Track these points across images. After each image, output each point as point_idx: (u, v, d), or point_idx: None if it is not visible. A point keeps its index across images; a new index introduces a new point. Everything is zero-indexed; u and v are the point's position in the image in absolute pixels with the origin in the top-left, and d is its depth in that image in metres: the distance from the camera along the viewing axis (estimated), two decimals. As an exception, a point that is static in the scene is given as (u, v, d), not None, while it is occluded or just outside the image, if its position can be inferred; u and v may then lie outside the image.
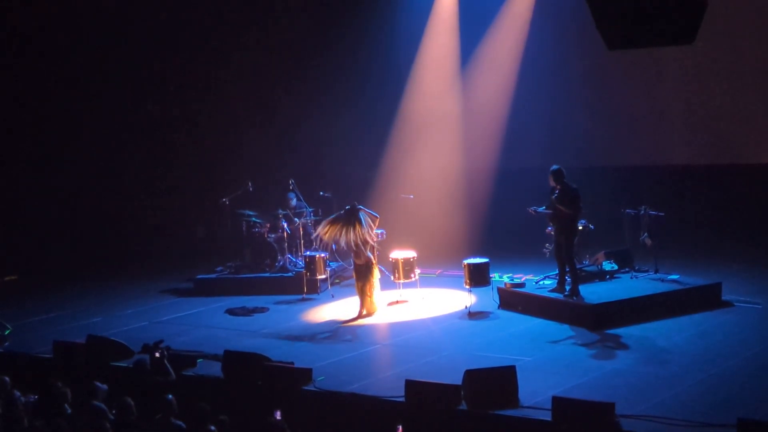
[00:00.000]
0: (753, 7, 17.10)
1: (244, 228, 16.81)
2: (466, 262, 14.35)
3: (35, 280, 18.16)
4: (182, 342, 13.22)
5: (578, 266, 13.78)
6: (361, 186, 18.49)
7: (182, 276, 17.74)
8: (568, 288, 13.33)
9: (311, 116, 20.08)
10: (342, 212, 14.36)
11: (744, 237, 16.88)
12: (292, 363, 11.50)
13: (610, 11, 7.32)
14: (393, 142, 19.46)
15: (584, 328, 12.68)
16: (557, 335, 12.60)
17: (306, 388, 11.01)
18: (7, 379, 10.05)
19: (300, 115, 20.29)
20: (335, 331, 13.69)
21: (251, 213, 16.90)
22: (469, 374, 10.08)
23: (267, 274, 16.46)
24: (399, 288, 15.10)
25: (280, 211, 16.69)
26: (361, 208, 14.31)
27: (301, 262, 16.19)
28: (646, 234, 14.55)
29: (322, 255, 15.82)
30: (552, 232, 13.90)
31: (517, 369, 10.23)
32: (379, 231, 15.26)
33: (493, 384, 10.04)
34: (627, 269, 14.49)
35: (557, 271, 13.67)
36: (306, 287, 15.85)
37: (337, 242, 14.42)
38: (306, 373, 11.22)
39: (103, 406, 9.42)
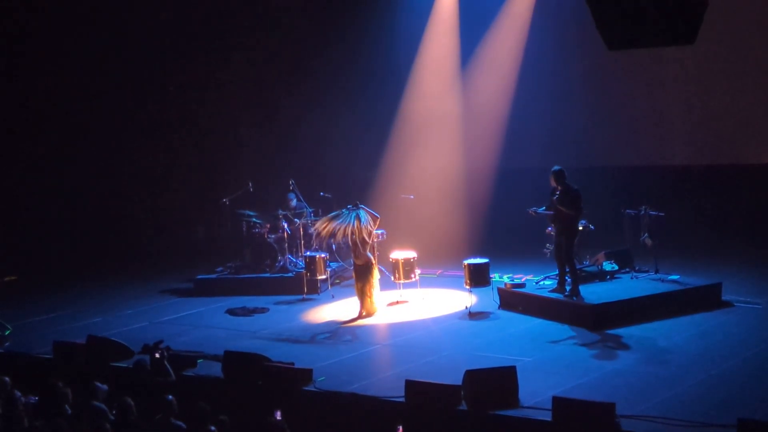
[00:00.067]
0: (753, 7, 17.10)
1: (244, 228, 16.81)
2: (466, 262, 14.35)
3: (35, 280, 18.16)
4: (182, 342, 13.22)
5: (578, 266, 13.78)
6: (362, 186, 18.50)
7: (182, 276, 17.74)
8: (568, 288, 13.33)
9: (311, 116, 20.09)
10: (343, 210, 14.38)
11: (744, 237, 16.88)
12: (293, 363, 11.50)
13: (610, 11, 7.31)
14: (393, 142, 19.47)
15: (584, 328, 12.67)
16: (557, 335, 12.60)
17: (306, 388, 11.01)
18: (7, 379, 10.05)
19: (300, 115, 20.30)
20: (335, 331, 13.69)
21: (251, 213, 16.90)
22: (469, 374, 10.08)
23: (267, 275, 16.46)
24: (399, 288, 15.09)
25: (280, 211, 16.70)
26: (362, 207, 14.32)
27: (301, 263, 16.19)
28: (646, 234, 14.55)
29: (322, 255, 15.82)
30: (552, 233, 13.92)
31: (517, 369, 10.23)
32: (379, 231, 15.26)
33: (493, 384, 10.04)
34: (627, 269, 14.49)
35: (557, 272, 13.67)
36: (306, 287, 15.85)
37: (334, 236, 14.39)
38: (306, 374, 11.22)
39: (103, 406, 9.42)
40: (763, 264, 15.50)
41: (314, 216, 16.49)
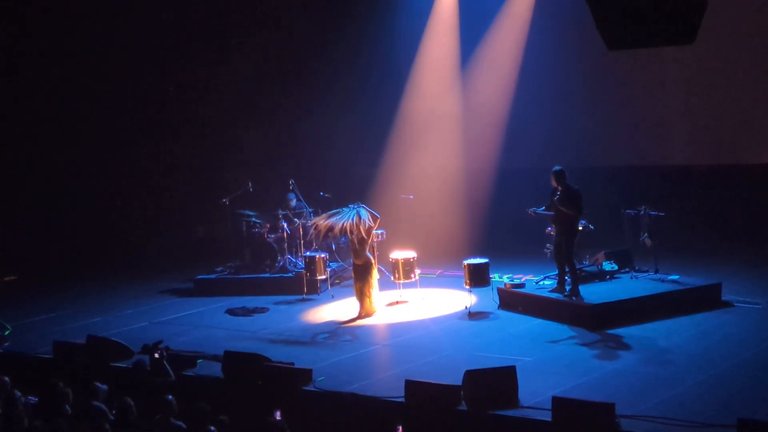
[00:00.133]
0: (753, 7, 17.10)
1: (244, 228, 16.81)
2: (466, 262, 14.35)
3: (35, 280, 18.16)
4: (182, 342, 13.23)
5: (578, 266, 13.78)
6: (362, 186, 18.49)
7: (182, 276, 17.74)
8: (567, 288, 13.33)
9: (311, 116, 20.09)
10: (343, 208, 14.40)
11: (744, 237, 16.88)
12: (292, 363, 11.50)
13: (610, 11, 7.31)
14: (393, 142, 19.46)
15: (584, 328, 12.67)
16: (557, 335, 12.60)
17: (306, 388, 11.01)
18: (7, 379, 10.05)
19: (300, 115, 20.30)
20: (335, 331, 13.69)
21: (251, 213, 16.91)
22: (469, 374, 10.08)
23: (267, 275, 16.46)
24: (399, 288, 15.09)
25: (280, 211, 16.70)
26: (363, 207, 14.33)
27: (301, 263, 16.19)
28: (646, 234, 14.55)
29: (322, 255, 15.82)
30: (552, 233, 13.92)
31: (517, 369, 10.23)
32: (379, 231, 15.28)
33: (493, 384, 10.04)
34: (627, 269, 14.49)
35: (557, 272, 13.67)
36: (306, 287, 15.85)
37: (332, 230, 14.38)
38: (306, 374, 11.22)
39: (103, 406, 9.42)
40: (763, 264, 15.50)
41: (314, 216, 16.48)
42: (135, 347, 12.64)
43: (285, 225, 16.49)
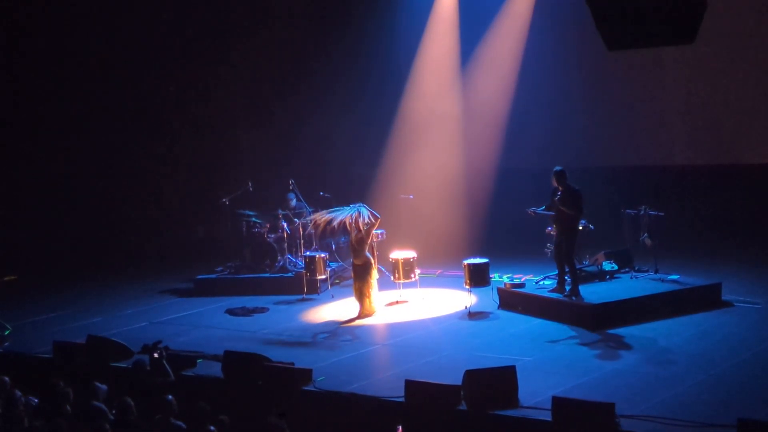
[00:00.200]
0: (753, 7, 17.10)
1: (244, 228, 16.81)
2: (466, 262, 14.35)
3: (35, 280, 18.16)
4: (182, 342, 13.23)
5: (578, 266, 13.78)
6: (362, 186, 18.49)
7: (182, 276, 17.74)
8: (567, 288, 13.33)
9: (311, 116, 20.08)
10: (344, 207, 14.44)
11: (744, 237, 16.88)
12: (292, 363, 11.51)
13: (610, 11, 7.32)
14: (393, 142, 19.46)
15: (584, 328, 12.68)
16: (557, 335, 12.60)
17: (306, 388, 11.01)
18: (7, 379, 10.05)
19: (300, 115, 20.29)
20: (335, 331, 13.69)
21: (251, 213, 16.90)
22: (469, 374, 10.08)
23: (267, 275, 16.46)
24: (399, 288, 15.09)
25: (280, 211, 16.70)
26: (364, 206, 14.36)
27: (300, 263, 16.19)
28: (646, 234, 14.55)
29: (322, 255, 15.83)
30: (552, 232, 13.92)
31: (517, 369, 10.23)
32: (379, 231, 15.29)
33: (493, 384, 10.04)
34: (627, 269, 14.49)
35: (557, 272, 13.67)
36: (306, 287, 15.85)
37: (330, 224, 14.40)
38: (306, 374, 11.22)
39: (103, 406, 9.42)
40: (763, 264, 15.51)
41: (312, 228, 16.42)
42: (135, 347, 12.64)
43: (285, 225, 16.49)
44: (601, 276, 14.24)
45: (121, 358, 12.50)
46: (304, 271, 15.85)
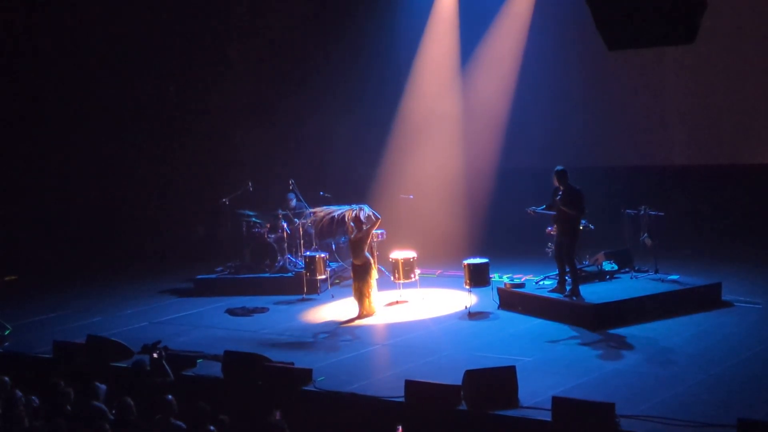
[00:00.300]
0: (753, 7, 17.10)
1: (244, 228, 16.82)
2: (466, 262, 14.35)
3: (35, 280, 18.16)
4: (182, 342, 13.23)
5: (578, 266, 13.77)
6: (362, 186, 18.49)
7: (182, 276, 17.74)
8: (568, 288, 13.32)
9: (311, 116, 20.08)
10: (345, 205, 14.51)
11: (744, 237, 16.88)
12: (292, 363, 11.51)
13: (610, 11, 7.31)
14: (393, 142, 19.46)
15: (584, 328, 12.68)
16: (557, 335, 12.60)
17: (306, 388, 11.01)
18: (7, 379, 10.05)
19: (300, 115, 20.29)
20: (335, 331, 13.69)
21: (251, 213, 16.90)
22: (469, 374, 10.08)
23: (267, 275, 16.46)
24: (399, 288, 15.09)
25: (280, 211, 16.71)
26: (366, 206, 14.42)
27: (300, 263, 16.19)
28: (646, 234, 14.55)
29: (322, 255, 15.83)
30: (552, 232, 13.92)
31: (517, 369, 10.23)
32: (379, 231, 15.29)
33: (493, 384, 10.04)
34: (627, 269, 14.49)
35: (557, 272, 13.68)
36: (306, 287, 15.85)
37: (330, 216, 14.43)
38: (306, 374, 11.22)
39: (103, 406, 9.42)
40: (763, 264, 15.51)
41: (312, 222, 16.45)
42: (135, 347, 12.64)
43: (285, 225, 16.49)
44: (601, 276, 14.24)
45: (121, 358, 12.50)
46: (304, 271, 15.86)
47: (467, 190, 19.08)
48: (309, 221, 15.60)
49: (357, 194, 16.02)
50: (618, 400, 9.36)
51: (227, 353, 11.79)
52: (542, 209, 13.61)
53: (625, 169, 18.61)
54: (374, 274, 14.37)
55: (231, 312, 15.20)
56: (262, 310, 15.23)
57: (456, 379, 10.23)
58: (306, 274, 15.80)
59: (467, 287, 14.28)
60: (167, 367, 11.14)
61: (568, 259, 13.31)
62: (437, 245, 17.07)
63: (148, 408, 9.36)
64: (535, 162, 18.02)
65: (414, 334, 13.28)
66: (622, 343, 12.03)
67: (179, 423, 9.02)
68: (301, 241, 16.51)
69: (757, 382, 10.28)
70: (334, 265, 16.59)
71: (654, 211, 14.53)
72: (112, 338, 13.00)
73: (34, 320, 15.34)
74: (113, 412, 9.24)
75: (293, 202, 16.81)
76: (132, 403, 9.15)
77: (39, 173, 19.89)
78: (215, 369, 11.79)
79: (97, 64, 19.91)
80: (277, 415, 9.23)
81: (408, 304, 14.87)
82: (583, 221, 13.90)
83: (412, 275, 15.00)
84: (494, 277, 14.80)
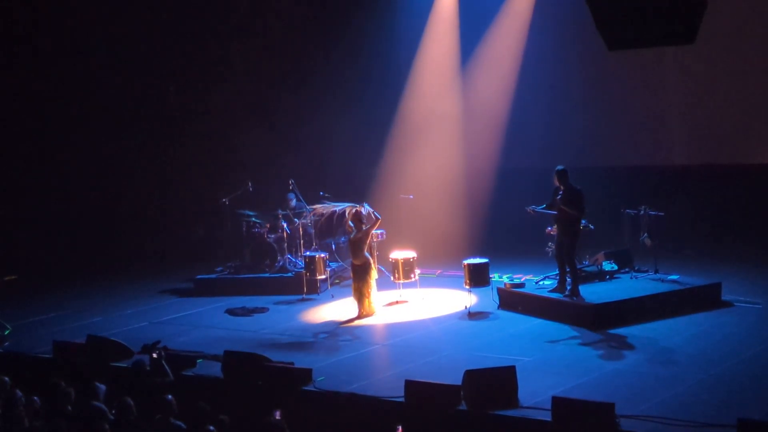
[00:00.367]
0: (753, 7, 17.10)
1: (244, 228, 16.81)
2: (465, 262, 14.35)
3: (35, 280, 18.15)
4: (182, 342, 13.23)
5: (578, 266, 13.77)
6: (362, 185, 18.48)
7: (182, 276, 17.74)
8: (568, 288, 13.32)
9: (311, 116, 20.07)
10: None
11: (744, 237, 16.88)
12: (292, 363, 11.51)
13: (610, 11, 7.32)
14: (393, 142, 19.45)
15: (584, 328, 12.68)
16: (557, 335, 12.60)
17: (306, 388, 11.01)
18: (7, 379, 10.04)
19: (300, 114, 20.28)
20: (335, 331, 13.69)
21: (251, 213, 16.90)
22: (469, 374, 10.08)
23: (267, 275, 16.46)
24: (399, 288, 15.09)
25: (280, 211, 16.70)
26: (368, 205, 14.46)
27: (300, 263, 16.19)
28: (646, 234, 14.55)
29: (322, 255, 15.83)
30: (552, 232, 13.92)
31: (517, 369, 10.23)
32: (379, 231, 15.29)
33: (493, 384, 10.04)
34: (627, 269, 14.49)
35: (557, 272, 13.68)
36: (306, 287, 15.85)
37: (332, 211, 14.46)
38: (306, 373, 11.22)
39: (102, 406, 9.41)
40: (763, 264, 15.51)
41: (313, 216, 16.47)
42: (135, 347, 12.65)
43: (285, 225, 16.49)
44: (601, 276, 14.24)
45: (121, 358, 12.50)
46: (304, 271, 15.86)
47: (467, 190, 19.07)
48: (310, 216, 15.61)
49: (357, 194, 16.00)
50: (618, 400, 9.36)
51: (227, 353, 11.79)
52: (542, 208, 13.61)
53: (625, 169, 18.60)
54: (374, 275, 14.38)
55: (231, 312, 15.20)
56: (262, 310, 15.23)
57: (456, 379, 10.23)
58: (306, 274, 15.80)
59: (467, 287, 14.28)
60: (167, 367, 11.14)
61: (568, 258, 13.31)
62: (437, 245, 17.07)
63: (148, 408, 9.36)
64: (535, 162, 18.02)
65: (414, 334, 13.28)
66: (622, 343, 12.03)
67: (179, 423, 9.02)
68: (301, 241, 16.51)
69: (757, 382, 10.28)
70: (334, 265, 16.59)
71: (654, 211, 14.54)
72: (112, 338, 13.00)
73: (34, 320, 15.34)
74: (113, 412, 9.23)
75: (293, 202, 16.81)
76: (132, 403, 9.14)
77: (39, 173, 19.88)
78: (215, 369, 11.79)
79: (97, 64, 19.91)
80: (277, 415, 9.24)
81: (408, 304, 14.87)
82: (582, 221, 13.90)
83: (412, 275, 15.00)
84: (494, 277, 14.80)
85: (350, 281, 14.80)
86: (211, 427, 8.58)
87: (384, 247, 15.86)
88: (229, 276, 16.86)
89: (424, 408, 10.09)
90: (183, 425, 9.00)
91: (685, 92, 18.07)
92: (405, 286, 15.10)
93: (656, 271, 14.32)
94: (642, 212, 14.57)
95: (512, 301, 14.03)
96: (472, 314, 13.98)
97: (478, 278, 14.20)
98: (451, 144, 19.40)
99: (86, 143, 20.09)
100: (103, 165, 20.27)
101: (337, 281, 16.52)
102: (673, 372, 10.77)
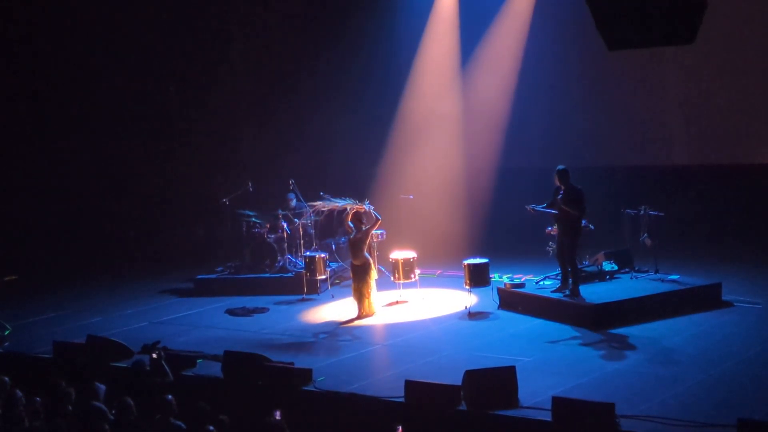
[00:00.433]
0: (753, 7, 17.10)
1: (244, 228, 16.81)
2: (466, 262, 14.35)
3: (35, 280, 18.15)
4: (182, 342, 13.23)
5: (578, 266, 13.76)
6: (362, 185, 18.47)
7: (182, 276, 17.74)
8: (568, 288, 13.32)
9: (311, 116, 20.08)
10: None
11: (744, 237, 16.87)
12: (292, 363, 11.51)
13: (610, 11, 7.32)
14: (393, 142, 19.46)
15: (584, 328, 12.68)
16: (557, 335, 12.60)
17: (306, 388, 11.01)
18: (7, 379, 10.04)
19: (300, 114, 20.29)
20: (335, 331, 13.69)
21: (251, 213, 16.90)
22: (469, 374, 10.08)
23: (267, 275, 16.46)
24: (399, 288, 15.09)
25: (280, 211, 16.71)
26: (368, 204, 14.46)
27: (300, 263, 16.19)
28: (646, 234, 14.54)
29: (322, 255, 15.83)
30: (552, 232, 13.92)
31: (517, 369, 10.23)
32: (379, 231, 15.29)
33: (493, 384, 10.04)
34: (627, 269, 14.48)
35: (558, 272, 13.67)
36: (306, 287, 15.85)
37: (330, 208, 14.52)
38: (306, 374, 11.22)
39: (102, 406, 9.41)
40: (763, 264, 15.51)
41: (313, 216, 16.48)
42: (135, 347, 12.64)
43: (285, 225, 16.49)
44: (601, 276, 14.24)
45: (121, 358, 12.50)
46: (304, 271, 15.86)
47: (467, 190, 19.07)
48: (309, 213, 15.64)
49: (357, 194, 15.99)
50: (618, 400, 9.36)
51: (227, 353, 11.79)
52: (542, 208, 13.61)
53: (625, 169, 18.61)
54: (374, 275, 14.38)
55: (231, 312, 15.20)
56: (262, 310, 15.23)
57: (456, 379, 10.23)
58: (306, 274, 15.80)
59: (467, 287, 14.28)
60: (167, 367, 11.14)
61: (569, 258, 13.30)
62: (437, 245, 17.07)
63: (148, 408, 9.36)
64: (535, 162, 18.03)
65: (414, 334, 13.28)
66: (623, 343, 12.03)
67: (179, 423, 9.01)
68: (301, 241, 16.51)
69: (757, 382, 10.28)
70: (334, 265, 16.59)
71: (654, 211, 14.53)
72: (112, 338, 13.00)
73: (34, 320, 15.34)
74: (113, 412, 9.23)
75: (293, 202, 16.82)
76: (132, 403, 9.14)
77: (39, 173, 19.88)
78: (215, 369, 11.79)
79: (97, 64, 19.90)
80: (277, 415, 9.23)
81: (408, 304, 14.87)
82: (583, 221, 13.90)
83: (412, 275, 15.00)
84: (494, 277, 14.80)
85: (350, 281, 14.80)
86: (211, 427, 8.57)
87: (384, 247, 15.86)
88: (229, 276, 16.86)
89: (424, 408, 10.09)
90: (183, 425, 8.99)
91: (685, 92, 18.07)
92: (405, 286, 15.10)
93: (656, 271, 14.32)
94: (642, 212, 14.56)
95: (512, 301, 14.03)
96: (472, 314, 13.97)
97: (478, 278, 14.19)
98: (451, 144, 19.40)
99: (86, 143, 20.08)
100: (103, 165, 20.27)
101: (337, 281, 16.52)
102: (673, 372, 10.77)
